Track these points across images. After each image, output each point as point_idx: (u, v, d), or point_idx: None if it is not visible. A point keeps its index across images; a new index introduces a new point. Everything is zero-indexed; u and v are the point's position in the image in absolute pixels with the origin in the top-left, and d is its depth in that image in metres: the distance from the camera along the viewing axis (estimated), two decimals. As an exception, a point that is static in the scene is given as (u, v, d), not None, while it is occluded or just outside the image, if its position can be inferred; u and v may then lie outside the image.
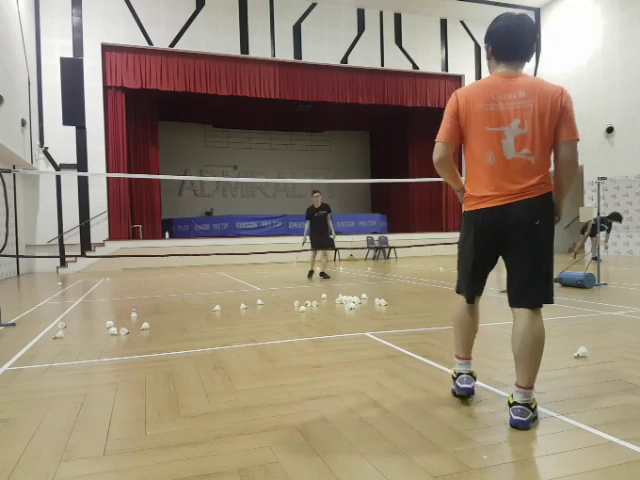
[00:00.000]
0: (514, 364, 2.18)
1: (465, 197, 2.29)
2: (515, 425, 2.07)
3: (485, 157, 2.14)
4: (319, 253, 9.26)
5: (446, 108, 2.25)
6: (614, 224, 12.43)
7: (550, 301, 2.15)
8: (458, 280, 2.44)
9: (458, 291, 2.45)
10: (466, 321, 2.42)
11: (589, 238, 11.84)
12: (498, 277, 6.97)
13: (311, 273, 9.30)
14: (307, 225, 9.17)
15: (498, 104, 2.10)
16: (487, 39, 2.25)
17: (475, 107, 2.14)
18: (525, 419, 2.06)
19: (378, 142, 23.57)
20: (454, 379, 2.45)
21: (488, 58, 2.28)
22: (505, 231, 2.13)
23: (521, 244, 2.12)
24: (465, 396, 2.39)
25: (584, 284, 6.65)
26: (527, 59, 2.19)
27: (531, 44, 2.18)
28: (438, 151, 2.25)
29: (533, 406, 2.11)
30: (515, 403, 2.10)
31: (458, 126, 2.20)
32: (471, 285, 2.35)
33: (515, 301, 2.18)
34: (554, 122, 2.08)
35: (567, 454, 1.85)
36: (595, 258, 11.53)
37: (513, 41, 2.15)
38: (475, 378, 2.46)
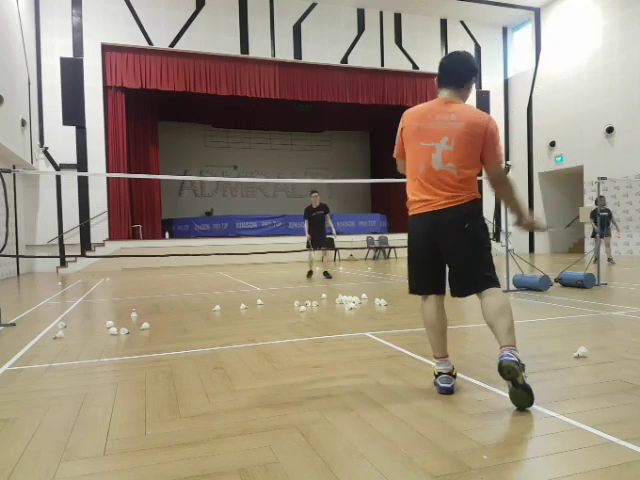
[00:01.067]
0: (494, 335, 2.36)
1: (407, 203, 2.61)
2: (501, 363, 2.20)
3: (418, 167, 2.49)
4: (318, 253, 9.26)
5: (398, 130, 2.63)
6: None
7: (492, 285, 2.42)
8: (409, 281, 2.65)
9: (410, 292, 2.65)
10: (432, 321, 2.58)
11: (591, 239, 11.81)
12: (497, 277, 6.96)
13: (310, 273, 9.30)
14: (305, 224, 9.18)
15: (433, 123, 2.45)
16: (438, 70, 2.63)
17: (413, 125, 2.51)
18: (513, 357, 2.20)
19: (378, 142, 23.55)
20: (435, 376, 2.59)
21: (437, 86, 2.62)
22: (440, 233, 2.44)
23: (454, 245, 2.43)
24: (445, 394, 2.50)
25: (584, 284, 6.65)
26: (462, 85, 2.52)
27: (465, 74, 2.51)
28: (397, 166, 2.77)
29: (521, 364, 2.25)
30: (503, 352, 2.25)
31: (402, 143, 2.61)
32: (424, 283, 2.58)
33: (459, 291, 2.50)
34: (479, 144, 2.41)
35: (567, 454, 1.85)
36: (609, 259, 11.54)
37: (451, 70, 2.52)
38: (455, 376, 2.58)
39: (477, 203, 2.48)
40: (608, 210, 11.73)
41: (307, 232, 9.14)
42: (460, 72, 2.51)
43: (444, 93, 2.53)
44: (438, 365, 2.58)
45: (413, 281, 2.62)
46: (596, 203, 11.68)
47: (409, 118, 2.55)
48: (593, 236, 11.88)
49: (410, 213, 2.57)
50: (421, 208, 2.48)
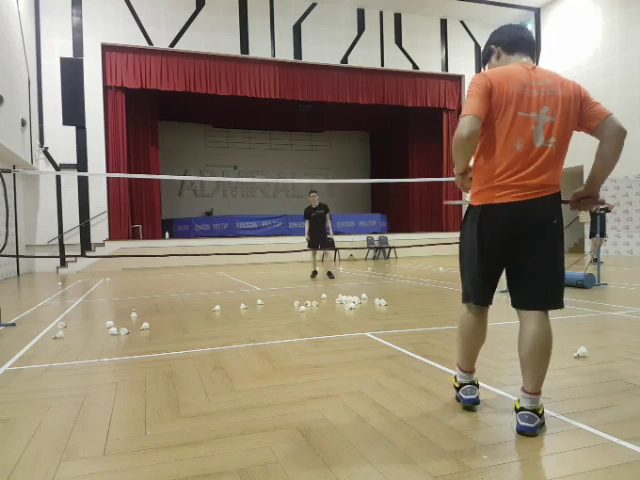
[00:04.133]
0: (521, 369, 2.11)
1: (478, 190, 2.10)
2: (522, 432, 1.99)
3: (513, 143, 2.00)
4: (318, 253, 9.27)
5: (474, 86, 2.04)
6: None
7: (562, 305, 2.08)
8: (465, 287, 2.23)
9: (466, 300, 2.23)
10: (475, 333, 2.26)
11: (590, 239, 11.79)
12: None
13: (314, 273, 9.24)
14: (306, 224, 9.19)
15: (532, 89, 2.01)
16: (493, 41, 2.24)
17: (510, 89, 2.00)
18: (533, 425, 1.99)
19: (378, 142, 23.57)
20: (457, 389, 2.39)
21: (497, 58, 2.22)
22: (522, 229, 2.02)
23: (539, 243, 2.02)
24: (470, 407, 2.30)
25: (584, 284, 6.65)
26: (533, 55, 2.20)
27: (534, 42, 2.21)
28: (470, 124, 1.97)
29: (540, 412, 2.05)
30: (522, 409, 2.04)
31: (489, 104, 2.02)
32: (483, 289, 2.16)
33: (527, 303, 2.06)
34: (577, 111, 2.05)
35: (567, 454, 1.85)
36: (595, 259, 11.53)
37: (524, 35, 2.18)
38: (478, 385, 2.40)
39: (560, 197, 2.07)
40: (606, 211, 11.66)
41: (307, 232, 9.13)
42: (532, 42, 2.19)
43: (519, 58, 2.14)
44: (462, 378, 2.35)
45: (473, 287, 2.17)
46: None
47: (499, 79, 2.01)
48: (592, 237, 11.86)
49: (485, 202, 2.06)
50: (508, 196, 2.00)
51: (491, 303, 2.22)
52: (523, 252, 2.05)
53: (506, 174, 2.01)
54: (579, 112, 2.06)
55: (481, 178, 2.09)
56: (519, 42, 2.16)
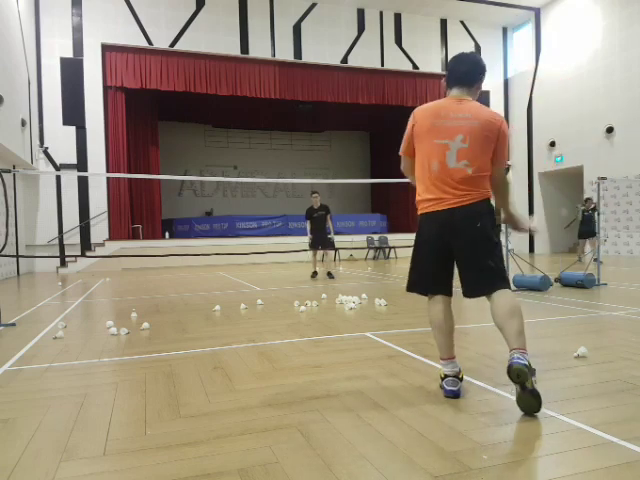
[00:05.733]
0: (503, 337, 2.32)
1: (417, 202, 2.55)
2: (511, 366, 2.16)
3: (431, 165, 2.43)
4: (319, 253, 9.27)
5: (407, 127, 2.57)
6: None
7: (504, 286, 2.39)
8: (410, 279, 2.63)
9: (408, 290, 2.64)
10: (439, 322, 2.54)
11: (588, 239, 11.77)
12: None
13: (314, 274, 9.26)
14: (308, 225, 9.20)
15: (448, 120, 2.42)
16: (446, 71, 2.63)
17: (428, 122, 2.45)
18: (524, 361, 2.16)
19: (378, 142, 23.55)
20: (441, 379, 2.55)
21: (446, 87, 2.61)
22: (452, 232, 2.41)
23: (466, 243, 2.40)
24: (451, 398, 2.46)
25: (584, 284, 6.65)
26: (473, 85, 2.53)
27: (474, 73, 2.53)
28: (401, 162, 2.68)
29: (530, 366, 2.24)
30: (513, 359, 2.19)
31: (412, 140, 2.54)
32: (431, 283, 2.54)
33: (476, 291, 2.44)
34: (492, 144, 2.42)
35: (567, 454, 1.85)
36: (579, 259, 11.55)
37: (461, 69, 2.53)
38: (461, 379, 2.54)
39: (489, 202, 2.46)
40: (592, 211, 11.46)
41: (309, 232, 9.14)
42: (470, 72, 2.52)
43: (455, 92, 2.52)
44: (444, 367, 2.54)
45: (418, 280, 2.59)
46: (584, 204, 11.75)
47: (421, 115, 2.50)
48: (580, 237, 11.87)
49: (420, 211, 2.52)
50: (433, 206, 2.43)
51: (446, 293, 2.54)
52: (457, 251, 2.45)
53: (428, 189, 2.46)
54: (490, 146, 2.42)
55: (418, 193, 2.55)
56: (454, 77, 2.53)
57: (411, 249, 2.75)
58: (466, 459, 1.81)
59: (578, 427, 2.08)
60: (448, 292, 2.54)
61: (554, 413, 2.24)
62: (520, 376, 2.13)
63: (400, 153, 2.64)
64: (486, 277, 2.40)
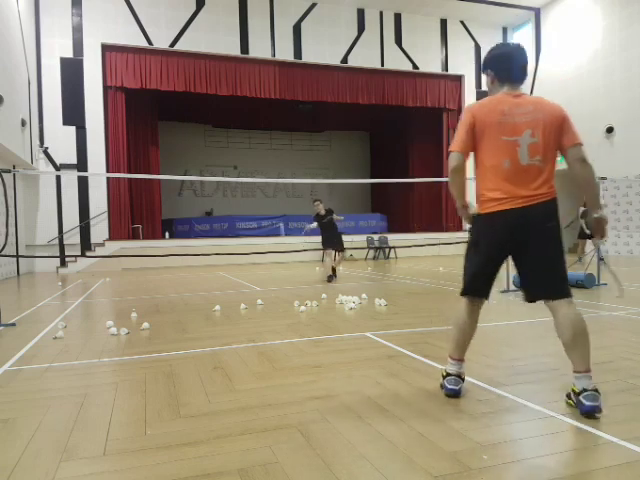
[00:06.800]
0: (567, 353, 2.28)
1: (480, 201, 2.42)
2: (591, 412, 2.14)
3: (502, 162, 2.33)
4: (329, 253, 9.16)
5: (461, 122, 2.44)
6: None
7: (569, 294, 2.35)
8: (466, 282, 2.49)
9: (466, 293, 2.50)
10: (468, 324, 2.50)
11: (588, 240, 11.75)
12: (497, 277, 6.95)
13: (330, 277, 8.81)
14: (315, 225, 9.09)
15: (512, 117, 2.33)
16: (487, 66, 2.50)
17: (491, 119, 2.34)
18: (598, 403, 2.15)
19: (378, 142, 23.56)
20: (443, 377, 2.55)
21: (491, 82, 2.50)
22: (524, 231, 2.31)
23: (537, 244, 2.31)
24: (452, 396, 2.47)
25: (584, 284, 6.65)
26: (523, 81, 2.46)
27: (526, 68, 2.46)
28: (454, 159, 2.41)
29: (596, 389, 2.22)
30: (584, 390, 2.18)
31: (473, 137, 2.39)
32: (484, 285, 2.46)
33: (546, 294, 2.34)
34: (557, 132, 2.33)
35: (567, 454, 1.85)
36: (580, 259, 11.56)
37: (515, 65, 2.43)
38: (463, 380, 2.54)
39: (556, 202, 2.36)
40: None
41: (311, 229, 9.10)
42: (525, 67, 2.45)
43: (508, 87, 2.42)
44: (451, 366, 2.52)
45: (473, 282, 2.47)
46: (585, 205, 11.75)
47: (481, 112, 2.37)
48: (581, 237, 11.86)
49: (486, 210, 2.39)
50: (501, 205, 2.32)
51: (487, 297, 2.49)
52: (524, 252, 2.35)
53: (499, 188, 2.34)
54: (561, 133, 2.34)
55: (481, 192, 2.42)
56: (509, 74, 2.43)
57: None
58: (466, 459, 1.81)
59: (578, 427, 2.08)
60: (489, 296, 2.51)
61: (554, 413, 2.24)
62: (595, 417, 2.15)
63: (455, 149, 2.41)
64: (555, 281, 2.33)
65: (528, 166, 2.31)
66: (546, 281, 2.33)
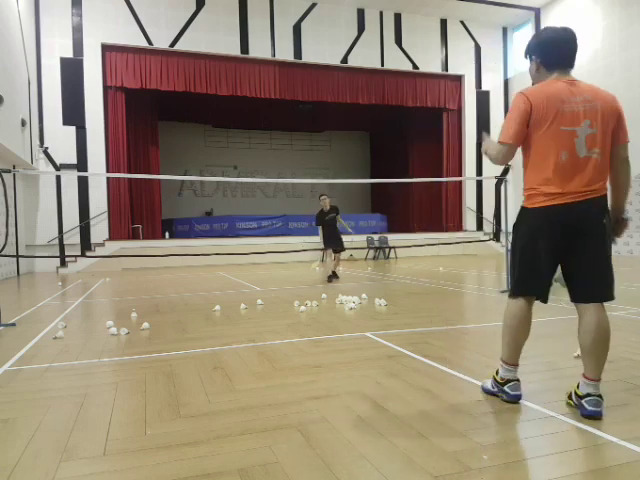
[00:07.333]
0: (582, 357, 2.24)
1: (529, 194, 2.29)
2: (592, 416, 2.15)
3: (559, 155, 2.19)
4: (330, 253, 9.12)
5: (514, 109, 2.25)
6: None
7: (614, 296, 2.25)
8: (517, 282, 2.37)
9: (517, 294, 2.36)
10: (521, 326, 2.36)
11: None
12: (498, 277, 6.96)
13: (330, 278, 8.93)
14: (320, 231, 8.92)
15: (570, 105, 2.19)
16: (532, 52, 2.36)
17: (550, 106, 2.19)
18: (600, 409, 2.16)
19: (378, 142, 23.57)
20: (500, 384, 2.42)
21: (536, 70, 2.36)
22: (574, 228, 2.19)
23: (590, 241, 2.20)
24: (516, 402, 2.37)
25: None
26: (573, 65, 2.31)
27: (575, 52, 2.31)
28: (505, 153, 2.28)
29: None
30: (588, 395, 2.18)
31: (527, 126, 2.24)
32: (540, 284, 2.33)
33: (588, 297, 2.23)
34: (614, 124, 2.22)
35: (567, 454, 1.85)
36: None
37: (564, 52, 2.28)
38: (519, 381, 2.44)
39: (607, 197, 2.25)
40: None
41: (322, 236, 8.87)
42: (575, 51, 2.29)
43: (559, 73, 2.28)
44: (508, 372, 2.39)
45: (527, 282, 2.33)
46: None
47: (539, 98, 2.20)
48: None
49: (534, 205, 2.25)
50: (554, 199, 2.18)
51: (541, 297, 2.36)
52: (576, 250, 2.23)
53: (554, 182, 2.20)
54: (615, 126, 2.23)
55: (532, 185, 2.27)
56: (559, 60, 2.28)
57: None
58: (466, 459, 1.81)
59: (578, 427, 2.08)
60: (547, 297, 2.37)
61: (554, 413, 2.24)
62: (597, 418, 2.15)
63: (505, 140, 2.25)
64: (606, 282, 2.22)
65: (585, 159, 2.18)
66: (594, 283, 2.21)
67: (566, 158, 2.18)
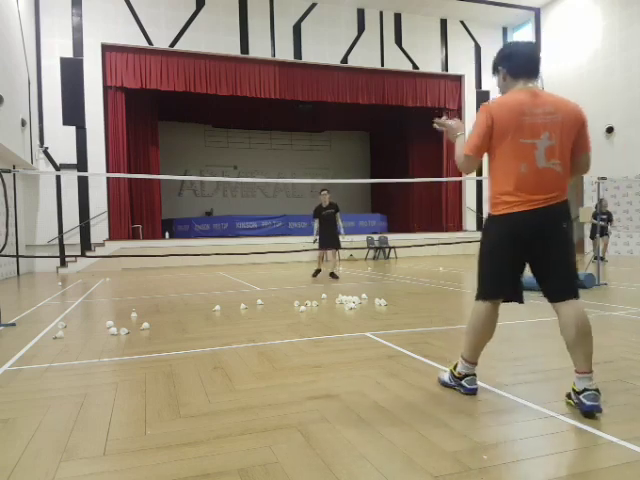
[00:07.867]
0: (570, 353, 2.28)
1: (494, 203, 2.38)
2: (591, 411, 2.16)
3: (518, 167, 2.27)
4: (329, 253, 9.14)
5: (477, 122, 2.34)
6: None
7: (578, 294, 2.35)
8: (482, 286, 2.46)
9: (483, 298, 2.44)
10: (486, 328, 2.46)
11: (601, 238, 11.73)
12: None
13: (317, 272, 9.20)
14: (316, 224, 9.01)
15: (531, 117, 2.25)
16: (500, 63, 2.43)
17: (510, 119, 2.26)
18: (598, 403, 2.16)
19: (378, 142, 23.56)
20: (457, 378, 2.56)
21: (503, 79, 2.43)
22: (538, 233, 2.29)
23: (554, 245, 2.29)
24: (473, 394, 2.51)
25: (584, 284, 6.64)
26: (537, 75, 2.40)
27: (538, 61, 2.40)
28: (468, 164, 2.38)
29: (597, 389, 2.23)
30: (585, 390, 2.19)
31: (489, 139, 2.32)
32: (505, 288, 2.41)
33: (562, 295, 2.30)
34: (575, 135, 2.31)
35: (567, 454, 1.85)
36: (602, 258, 11.56)
37: (529, 61, 2.37)
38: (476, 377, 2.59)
39: (568, 202, 2.36)
40: (609, 213, 11.78)
41: (316, 232, 8.94)
42: (539, 62, 2.38)
43: (523, 84, 2.35)
44: (465, 368, 2.54)
45: (492, 285, 2.43)
46: (596, 207, 11.75)
47: (500, 111, 2.28)
48: (592, 237, 11.86)
49: (500, 212, 2.34)
50: (516, 206, 2.28)
51: (514, 299, 2.45)
52: (541, 254, 2.32)
53: (513, 192, 2.29)
54: (576, 136, 2.31)
55: (495, 195, 2.37)
56: (524, 68, 2.36)
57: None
58: (466, 459, 1.81)
59: (578, 427, 2.08)
60: (520, 298, 2.45)
61: (554, 413, 2.24)
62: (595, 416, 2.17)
63: (468, 152, 2.35)
64: (570, 281, 2.33)
65: (544, 169, 2.26)
66: (561, 282, 2.31)
67: (526, 170, 2.26)
